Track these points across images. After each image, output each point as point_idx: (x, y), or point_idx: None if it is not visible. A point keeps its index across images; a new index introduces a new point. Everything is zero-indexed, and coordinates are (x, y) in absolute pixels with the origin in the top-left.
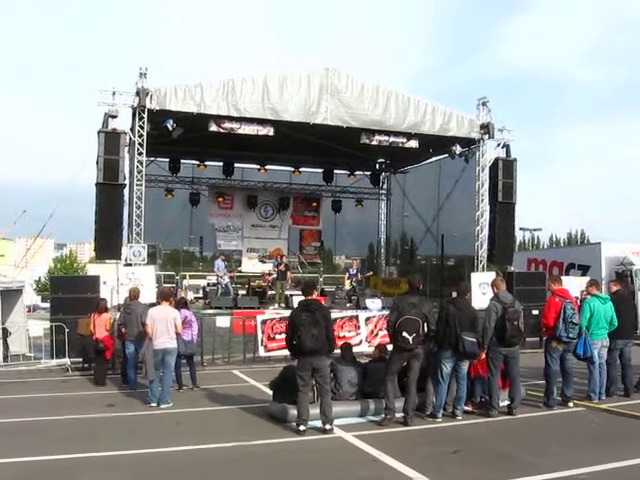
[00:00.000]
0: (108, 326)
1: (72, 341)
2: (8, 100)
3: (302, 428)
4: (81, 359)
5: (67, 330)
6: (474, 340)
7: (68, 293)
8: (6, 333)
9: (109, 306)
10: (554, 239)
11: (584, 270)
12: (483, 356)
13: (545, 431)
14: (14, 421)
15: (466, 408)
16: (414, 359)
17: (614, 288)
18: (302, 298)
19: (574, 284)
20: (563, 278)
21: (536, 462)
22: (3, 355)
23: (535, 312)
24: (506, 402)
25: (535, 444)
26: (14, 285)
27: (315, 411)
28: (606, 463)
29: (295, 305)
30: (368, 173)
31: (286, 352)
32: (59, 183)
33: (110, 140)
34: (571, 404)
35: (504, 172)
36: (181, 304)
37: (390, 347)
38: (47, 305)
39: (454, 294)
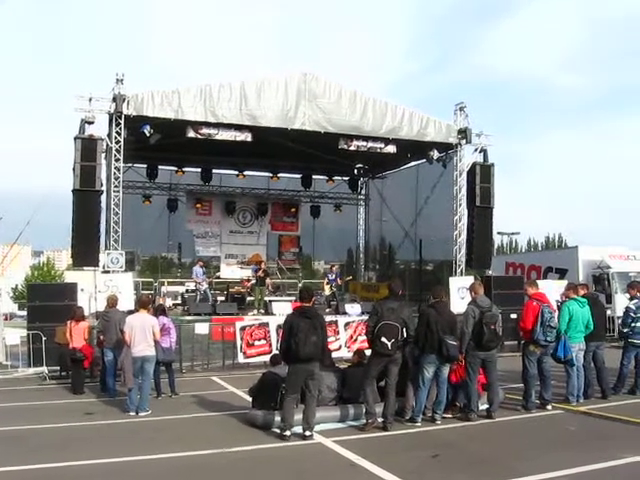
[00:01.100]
0: (86, 335)
1: (49, 349)
2: None
3: (287, 433)
4: (59, 367)
5: (44, 338)
6: (455, 343)
7: (45, 301)
8: None
9: (87, 313)
10: (532, 243)
11: (562, 274)
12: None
13: (524, 434)
14: None
15: (445, 415)
16: (393, 364)
17: (581, 292)
18: (282, 304)
19: (552, 288)
20: (541, 282)
21: (515, 465)
22: None
23: (513, 316)
24: (485, 406)
25: (514, 447)
26: None
27: (296, 417)
28: (585, 465)
29: (276, 311)
30: (346, 178)
31: (265, 358)
32: (36, 190)
33: (87, 146)
34: (549, 407)
35: (482, 176)
36: (159, 311)
37: (369, 352)
38: (24, 313)
39: (431, 299)
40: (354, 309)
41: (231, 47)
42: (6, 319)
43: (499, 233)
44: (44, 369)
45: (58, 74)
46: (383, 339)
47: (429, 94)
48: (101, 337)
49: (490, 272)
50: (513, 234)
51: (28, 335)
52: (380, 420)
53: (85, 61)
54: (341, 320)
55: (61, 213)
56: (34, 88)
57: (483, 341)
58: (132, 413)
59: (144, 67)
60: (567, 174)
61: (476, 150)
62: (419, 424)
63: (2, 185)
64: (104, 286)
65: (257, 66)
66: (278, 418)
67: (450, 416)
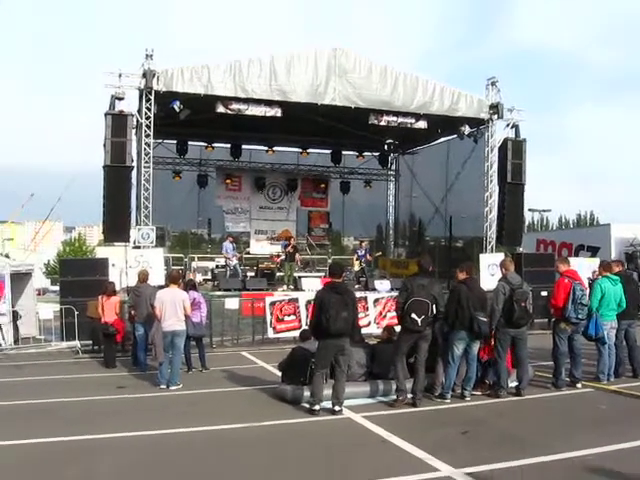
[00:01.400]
0: (117, 309)
1: (82, 324)
2: (15, 83)
3: (317, 408)
4: (91, 341)
5: (77, 313)
6: (486, 320)
7: (77, 276)
8: (16, 316)
9: (118, 288)
10: (563, 220)
11: (593, 251)
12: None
13: (554, 412)
14: (26, 403)
15: (475, 392)
16: (422, 340)
17: (616, 269)
18: (312, 280)
19: (583, 265)
20: (572, 259)
21: (544, 443)
22: (14, 338)
23: (544, 293)
24: (514, 383)
25: (544, 425)
26: (23, 268)
27: (326, 392)
28: (615, 444)
29: (305, 287)
30: (376, 154)
31: (295, 333)
32: (67, 166)
33: (117, 122)
34: (579, 385)
35: (513, 152)
36: (190, 286)
37: (398, 328)
38: (57, 288)
39: (460, 275)
40: (383, 285)
41: (258, 23)
42: (39, 294)
43: (530, 210)
44: (76, 343)
45: (89, 50)
46: (413, 315)
47: (457, 69)
48: (132, 312)
49: (521, 249)
50: (544, 211)
51: (61, 310)
52: (409, 396)
53: (115, 37)
54: (370, 296)
55: (92, 189)
56: (66, 64)
57: (513, 318)
58: (163, 387)
59: (172, 43)
60: (600, 150)
61: (508, 125)
62: (448, 400)
63: (34, 162)
64: (135, 261)
65: (285, 41)
66: (307, 393)
67: (479, 393)
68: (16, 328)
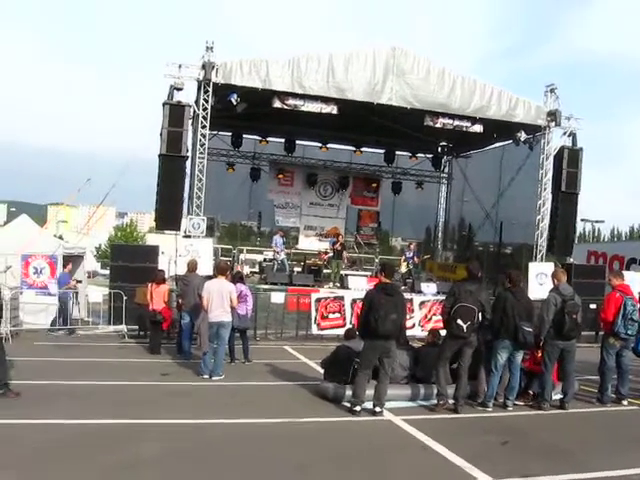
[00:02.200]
0: (166, 297)
1: (129, 309)
2: (77, 70)
3: (358, 408)
4: (137, 327)
5: (125, 298)
6: (531, 330)
7: (127, 261)
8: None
9: (166, 276)
10: (615, 232)
11: None
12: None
13: (597, 428)
14: (71, 384)
15: (517, 402)
16: (467, 347)
17: None
18: (358, 279)
19: (635, 280)
20: (624, 273)
21: (586, 459)
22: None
23: (593, 306)
24: (558, 396)
25: (586, 441)
26: (76, 251)
27: (367, 392)
28: None
29: (351, 285)
30: (430, 156)
31: (338, 331)
32: (124, 153)
33: (174, 112)
34: (625, 402)
35: (569, 161)
36: (237, 278)
37: (443, 332)
38: (106, 272)
39: (506, 283)
40: (430, 288)
41: (317, 22)
42: (89, 277)
43: (582, 220)
44: (123, 327)
45: (150, 39)
46: (459, 321)
47: (513, 75)
48: (180, 300)
49: (571, 260)
50: (597, 222)
51: (110, 294)
52: (451, 402)
53: (175, 29)
54: (416, 299)
55: (146, 177)
56: (127, 51)
57: (564, 330)
58: (206, 376)
59: (232, 37)
60: None
61: (565, 133)
62: (490, 409)
63: (92, 147)
64: (184, 250)
65: (342, 41)
66: (349, 392)
67: (522, 404)
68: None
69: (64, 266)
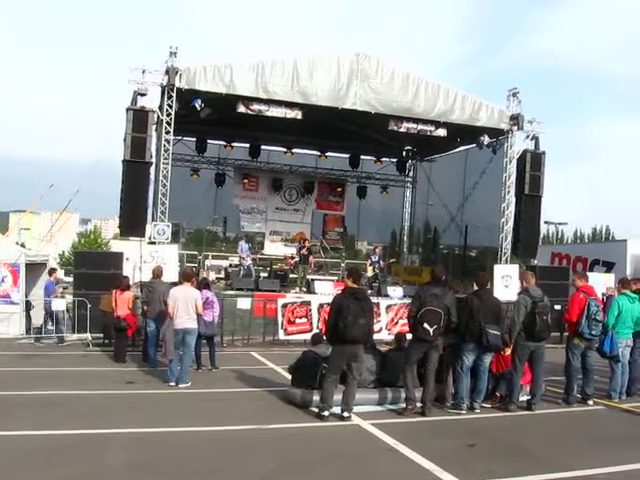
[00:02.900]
0: (131, 304)
1: (94, 316)
2: (36, 73)
3: (325, 414)
4: (102, 335)
5: (89, 305)
6: (498, 333)
7: (91, 268)
8: (29, 306)
9: (131, 283)
10: (579, 234)
11: (609, 267)
12: (508, 352)
13: (564, 428)
14: (35, 394)
15: (485, 405)
16: (433, 350)
17: (634, 287)
18: (324, 283)
19: (598, 281)
20: (588, 275)
21: (553, 460)
22: (25, 328)
23: (557, 307)
24: (525, 397)
25: (553, 441)
26: (38, 259)
27: (335, 397)
28: (625, 464)
29: (318, 290)
30: (394, 160)
31: (305, 336)
32: (87, 160)
33: (138, 118)
34: (591, 402)
35: (532, 164)
36: (203, 285)
37: (409, 336)
38: (70, 279)
39: (474, 286)
40: (396, 292)
41: (281, 27)
42: None
43: (546, 222)
44: (88, 336)
45: (111, 46)
46: (425, 325)
47: (478, 79)
48: (145, 307)
49: (535, 261)
50: (560, 224)
51: (74, 301)
52: (419, 405)
53: (138, 35)
54: (383, 302)
55: (110, 183)
56: (87, 57)
57: (535, 331)
58: (172, 384)
59: (196, 41)
60: (617, 164)
61: (527, 137)
62: (464, 411)
63: (54, 154)
64: (149, 257)
65: (309, 45)
66: (317, 397)
67: (489, 406)
68: (29, 318)
69: (49, 274)
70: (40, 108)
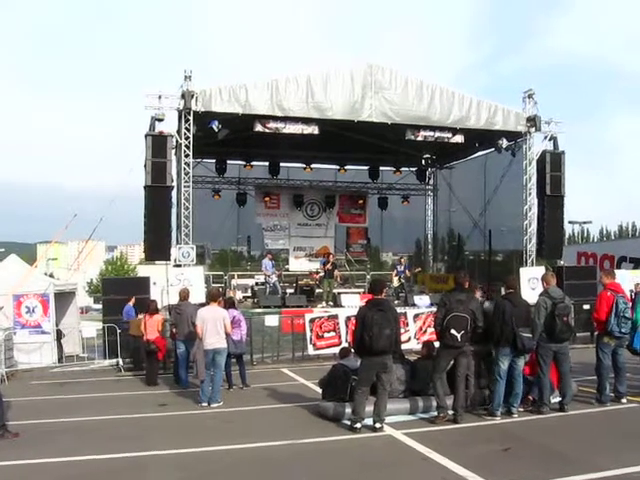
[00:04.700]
0: (160, 327)
1: (124, 342)
2: (56, 105)
3: (358, 426)
4: (132, 359)
5: (119, 331)
6: (530, 335)
7: (120, 294)
8: (60, 335)
9: (159, 307)
10: (604, 232)
11: (636, 263)
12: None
13: (598, 428)
14: (72, 420)
15: (518, 409)
16: (462, 356)
17: None
18: (351, 296)
19: (626, 277)
20: (615, 271)
21: (588, 460)
22: (58, 356)
23: (586, 307)
24: (557, 399)
25: (588, 441)
26: (67, 288)
27: (367, 409)
28: None
29: (345, 303)
30: (414, 169)
31: (334, 350)
32: (109, 187)
33: (157, 143)
34: (624, 400)
35: (552, 165)
36: (229, 304)
37: (437, 344)
38: (99, 306)
39: (502, 290)
40: (423, 301)
41: (292, 42)
42: (82, 312)
43: (570, 222)
44: (119, 361)
45: (127, 72)
46: (453, 331)
47: (493, 82)
48: (174, 330)
49: (561, 262)
50: (585, 223)
51: (103, 328)
52: (450, 413)
53: (152, 61)
54: (410, 312)
55: (133, 209)
56: (103, 87)
57: (555, 333)
58: (204, 404)
59: (210, 64)
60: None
61: (546, 138)
62: (499, 417)
63: (77, 184)
64: (176, 280)
65: (321, 59)
66: (349, 410)
67: (522, 409)
68: (60, 346)
69: (128, 300)
70: (58, 139)
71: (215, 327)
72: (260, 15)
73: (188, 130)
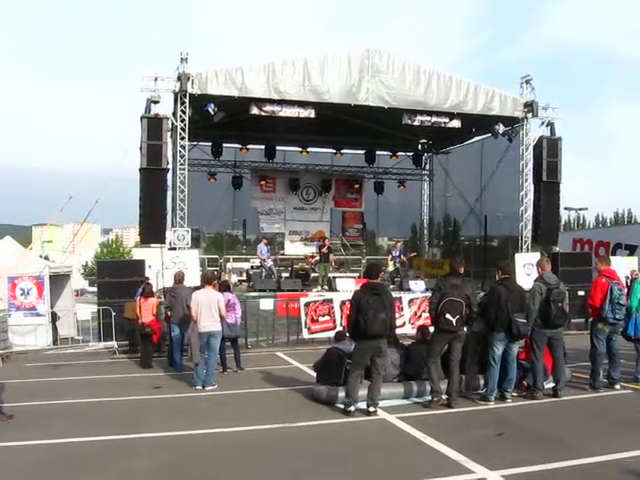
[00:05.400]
0: (155, 310)
1: (119, 324)
2: (54, 88)
3: (352, 409)
4: (127, 342)
5: (114, 313)
6: (525, 321)
7: (114, 277)
8: (55, 317)
9: (154, 290)
10: (600, 219)
11: (631, 250)
12: None
13: (591, 414)
14: (65, 402)
15: (512, 394)
16: (456, 341)
17: None
18: (346, 280)
19: (621, 264)
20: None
21: (581, 445)
22: (53, 338)
23: (581, 293)
24: (551, 384)
25: (581, 427)
26: (62, 270)
27: (360, 393)
28: None
29: (340, 287)
30: (410, 154)
31: (329, 334)
32: (105, 169)
33: (153, 125)
34: (618, 386)
35: (548, 151)
36: (224, 287)
37: (432, 329)
38: (94, 289)
39: (498, 275)
40: (418, 285)
41: (290, 27)
42: (77, 295)
43: (566, 209)
44: (114, 344)
45: (123, 54)
46: (447, 316)
47: (491, 68)
48: (168, 313)
49: (557, 248)
50: (581, 209)
51: (98, 310)
52: (444, 397)
53: (149, 42)
54: (405, 297)
55: (129, 192)
56: (99, 69)
57: (550, 319)
58: (199, 387)
59: (209, 51)
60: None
61: (543, 124)
62: (492, 403)
63: (72, 165)
64: (171, 263)
65: (318, 40)
66: (342, 394)
67: (516, 394)
68: (55, 329)
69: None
70: (54, 121)
71: (210, 310)
72: (260, 4)
73: (184, 113)
